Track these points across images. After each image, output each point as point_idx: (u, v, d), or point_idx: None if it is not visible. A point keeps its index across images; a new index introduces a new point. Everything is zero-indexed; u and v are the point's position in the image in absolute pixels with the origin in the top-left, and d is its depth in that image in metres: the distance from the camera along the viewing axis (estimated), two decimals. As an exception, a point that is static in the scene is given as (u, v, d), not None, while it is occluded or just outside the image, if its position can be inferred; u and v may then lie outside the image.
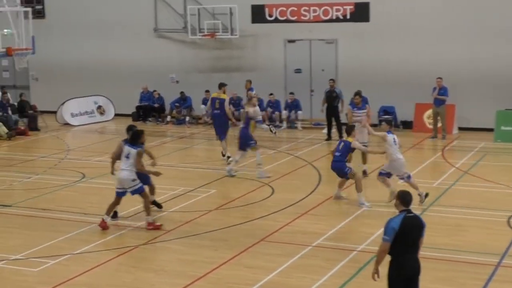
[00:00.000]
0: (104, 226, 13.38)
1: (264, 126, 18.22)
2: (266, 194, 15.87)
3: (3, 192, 16.69)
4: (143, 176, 13.67)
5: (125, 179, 13.35)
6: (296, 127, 24.95)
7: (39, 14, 28.75)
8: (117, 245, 12.53)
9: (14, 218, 14.48)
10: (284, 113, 24.98)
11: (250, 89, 23.90)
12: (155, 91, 27.30)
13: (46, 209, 14.96)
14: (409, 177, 14.79)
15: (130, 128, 14.27)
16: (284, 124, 25.00)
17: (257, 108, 17.67)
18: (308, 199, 15.42)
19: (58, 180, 17.59)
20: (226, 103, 19.20)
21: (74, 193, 16.55)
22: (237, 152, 17.61)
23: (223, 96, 19.35)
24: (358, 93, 17.95)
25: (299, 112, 25.03)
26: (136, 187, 13.38)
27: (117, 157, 13.77)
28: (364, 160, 17.52)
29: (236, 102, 25.85)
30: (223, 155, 19.30)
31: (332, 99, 22.49)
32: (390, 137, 14.87)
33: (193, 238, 12.89)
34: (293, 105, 25.06)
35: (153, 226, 13.36)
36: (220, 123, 19.34)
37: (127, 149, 13.42)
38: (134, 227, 13.60)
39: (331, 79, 23.05)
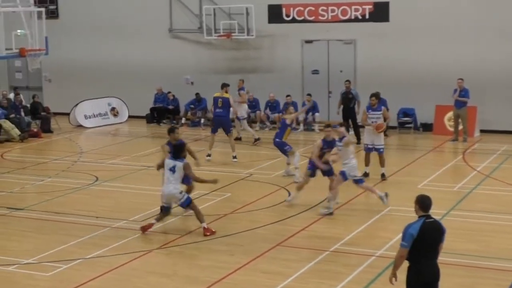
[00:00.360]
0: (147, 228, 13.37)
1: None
2: (282, 197, 15.85)
3: (15, 195, 16.79)
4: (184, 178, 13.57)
5: (172, 195, 13.20)
6: (313, 130, 24.91)
7: (52, 14, 28.91)
8: (130, 250, 12.55)
9: (27, 221, 14.56)
10: (301, 115, 24.91)
11: (242, 88, 24.01)
12: (169, 92, 27.37)
13: (59, 212, 15.02)
14: (361, 181, 14.77)
15: (172, 130, 14.48)
16: (301, 126, 24.97)
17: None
18: (325, 203, 15.36)
19: (71, 183, 17.67)
20: (232, 102, 20.11)
21: (87, 196, 16.61)
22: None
23: (226, 95, 20.08)
24: (374, 95, 17.94)
25: (317, 114, 25.00)
26: (183, 199, 13.26)
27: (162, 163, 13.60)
28: (382, 163, 17.46)
29: (272, 105, 25.74)
30: (234, 157, 19.78)
31: (348, 100, 22.50)
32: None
33: (208, 242, 12.90)
34: (310, 107, 25.00)
35: (210, 232, 13.19)
36: (222, 121, 20.09)
37: (171, 162, 13.25)
38: (148, 230, 13.59)
39: (347, 80, 23.06)
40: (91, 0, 28.78)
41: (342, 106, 22.68)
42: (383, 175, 17.34)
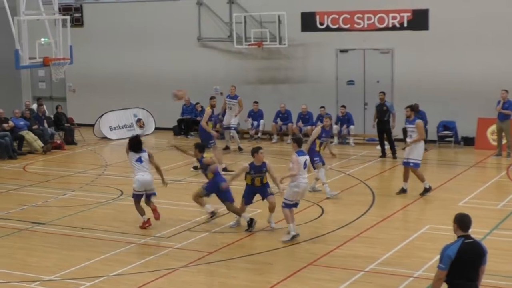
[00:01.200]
0: None
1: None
2: (315, 214, 15.82)
3: (38, 209, 16.96)
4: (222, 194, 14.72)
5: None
6: (348, 143, 24.87)
7: (77, 23, 29.25)
8: (156, 267, 12.61)
9: (49, 236, 14.70)
10: (335, 127, 24.91)
11: (235, 96, 24.05)
12: (198, 103, 27.48)
13: (82, 227, 15.14)
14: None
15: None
16: (335, 140, 24.93)
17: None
18: (361, 220, 15.32)
19: (95, 197, 17.81)
20: (205, 115, 20.54)
21: (112, 211, 16.72)
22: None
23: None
24: (409, 106, 17.90)
25: (351, 126, 24.94)
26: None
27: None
28: (420, 178, 17.34)
29: (305, 117, 25.67)
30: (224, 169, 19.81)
31: (383, 113, 22.43)
32: (301, 158, 13.89)
33: (237, 260, 12.91)
34: (345, 119, 24.98)
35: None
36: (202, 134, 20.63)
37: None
38: (174, 248, 13.67)
39: (381, 92, 23.01)
40: (117, 8, 29.08)
41: (377, 119, 22.61)
42: (425, 190, 17.17)
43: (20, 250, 13.77)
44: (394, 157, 21.73)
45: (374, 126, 22.84)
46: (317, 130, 17.43)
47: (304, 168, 13.86)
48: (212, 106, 20.73)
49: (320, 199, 17.04)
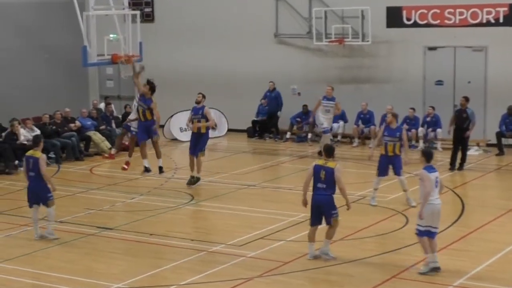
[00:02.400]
0: None
1: None
2: (399, 224, 15.72)
3: (104, 213, 17.30)
4: None
5: None
6: (435, 148, 24.55)
7: (148, 18, 29.71)
8: (228, 277, 12.70)
9: (116, 242, 14.97)
10: (421, 130, 24.64)
11: (332, 98, 23.25)
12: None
13: (150, 233, 15.37)
14: None
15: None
16: (421, 144, 24.69)
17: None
18: (449, 231, 15.15)
19: (164, 202, 18.05)
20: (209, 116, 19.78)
21: (182, 217, 16.94)
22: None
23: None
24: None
25: (439, 130, 24.55)
26: None
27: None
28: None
29: (365, 117, 25.74)
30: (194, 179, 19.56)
31: (462, 120, 21.42)
32: (432, 175, 12.77)
33: (314, 271, 12.92)
34: (432, 122, 24.68)
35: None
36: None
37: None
38: (247, 256, 13.76)
39: (463, 97, 21.87)
40: (190, 2, 29.37)
41: (454, 126, 21.79)
42: None
43: (86, 256, 14.06)
44: (461, 168, 21.21)
45: (449, 132, 22.02)
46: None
47: (436, 186, 12.73)
48: (197, 102, 20.09)
49: (404, 208, 16.91)
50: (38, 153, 15.02)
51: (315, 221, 13.47)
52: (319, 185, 13.23)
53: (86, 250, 14.43)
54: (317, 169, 13.25)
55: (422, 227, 12.72)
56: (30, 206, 15.13)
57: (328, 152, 13.41)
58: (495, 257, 13.53)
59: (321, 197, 13.24)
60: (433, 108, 24.72)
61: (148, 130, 19.51)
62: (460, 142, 21.47)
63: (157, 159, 19.86)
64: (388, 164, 17.25)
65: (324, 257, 13.40)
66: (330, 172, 13.16)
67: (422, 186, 12.69)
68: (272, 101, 27.34)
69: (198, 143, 19.46)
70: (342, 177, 13.21)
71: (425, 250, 12.76)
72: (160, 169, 19.92)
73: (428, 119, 24.77)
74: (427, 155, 12.91)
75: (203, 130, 19.48)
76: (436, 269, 12.70)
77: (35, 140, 15.45)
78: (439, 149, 24.31)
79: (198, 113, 19.63)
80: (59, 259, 13.85)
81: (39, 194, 14.95)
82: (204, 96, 20.21)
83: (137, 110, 19.65)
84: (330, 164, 13.22)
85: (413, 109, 24.74)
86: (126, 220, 16.57)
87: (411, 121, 24.97)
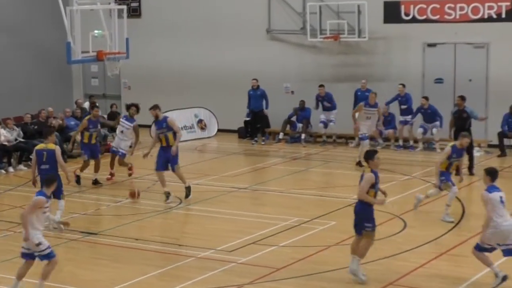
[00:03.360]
0: None
1: None
2: (397, 228, 15.76)
3: (89, 217, 17.30)
4: None
5: None
6: (434, 148, 24.59)
7: (134, 13, 29.66)
8: (217, 284, 12.72)
9: (101, 248, 14.98)
10: (419, 130, 24.66)
11: (375, 104, 23.01)
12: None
13: (137, 238, 15.38)
14: None
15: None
16: (420, 145, 24.75)
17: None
18: (448, 236, 15.21)
19: (151, 206, 18.06)
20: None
21: (170, 221, 16.95)
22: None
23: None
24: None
25: (435, 130, 24.41)
26: None
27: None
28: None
29: (386, 120, 24.86)
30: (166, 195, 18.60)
31: (462, 121, 21.20)
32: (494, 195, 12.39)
33: (308, 278, 12.95)
34: (429, 115, 24.49)
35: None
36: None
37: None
38: (238, 262, 13.78)
39: (459, 97, 21.77)
40: (179, -3, 29.39)
41: (454, 128, 21.69)
42: None
43: (70, 262, 14.03)
44: (471, 173, 21.18)
45: (450, 136, 21.92)
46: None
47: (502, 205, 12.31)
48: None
49: (402, 212, 16.95)
50: (52, 145, 15.87)
51: (355, 230, 12.99)
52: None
53: (70, 256, 14.43)
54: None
55: (485, 244, 12.43)
56: None
57: (493, 176, 12.56)
58: (496, 263, 13.55)
59: (356, 205, 12.90)
60: (426, 98, 24.61)
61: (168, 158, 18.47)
62: None
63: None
64: None
65: (353, 278, 12.87)
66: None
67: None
68: (258, 100, 26.90)
69: (168, 158, 18.35)
70: (365, 184, 12.54)
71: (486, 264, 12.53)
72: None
73: (423, 111, 24.63)
74: (492, 175, 12.59)
75: (171, 144, 18.34)
76: (505, 278, 12.42)
77: (47, 132, 16.27)
78: (438, 150, 24.27)
79: (162, 126, 18.55)
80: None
81: None
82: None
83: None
84: (366, 170, 12.81)
85: (403, 84, 24.82)
86: (112, 224, 16.56)
87: (402, 98, 24.97)
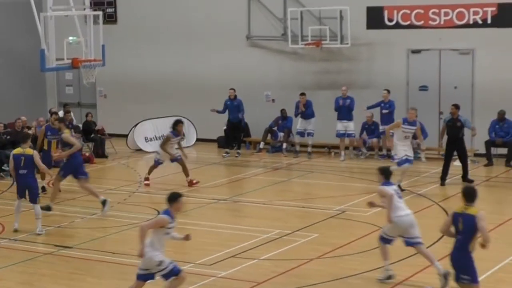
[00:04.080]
0: None
1: None
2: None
3: (63, 230, 17.22)
4: None
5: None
6: (419, 158, 24.63)
7: (110, 19, 29.60)
8: (197, 298, 12.72)
9: (76, 262, 14.90)
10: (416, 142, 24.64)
11: (414, 122, 22.19)
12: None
13: (113, 252, 15.32)
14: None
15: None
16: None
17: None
18: (436, 246, 15.21)
19: (128, 218, 17.99)
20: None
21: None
22: None
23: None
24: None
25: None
26: None
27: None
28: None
29: (370, 128, 25.44)
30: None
31: (456, 130, 21.23)
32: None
33: (290, 292, 12.95)
34: (386, 115, 24.69)
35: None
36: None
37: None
38: (218, 276, 13.77)
39: (453, 105, 21.63)
40: (155, 2, 29.30)
41: (446, 137, 21.72)
42: None
43: (43, 277, 14.00)
44: (466, 179, 21.22)
45: (441, 144, 21.79)
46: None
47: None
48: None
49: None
50: (29, 150, 16.37)
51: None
52: (457, 236, 11.41)
53: (44, 271, 14.37)
54: (455, 217, 11.38)
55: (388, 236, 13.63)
56: (19, 198, 16.67)
57: (469, 195, 11.35)
58: (483, 276, 13.57)
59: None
60: (388, 91, 24.80)
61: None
62: (458, 153, 21.35)
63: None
64: None
65: None
66: (470, 220, 11.15)
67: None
68: (235, 111, 26.31)
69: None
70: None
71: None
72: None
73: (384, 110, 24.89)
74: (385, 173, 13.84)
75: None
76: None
77: (24, 137, 16.78)
78: (423, 160, 24.34)
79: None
80: (14, 280, 13.78)
81: (30, 190, 16.39)
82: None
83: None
84: (471, 210, 11.19)
85: (388, 90, 24.88)
86: (87, 238, 16.49)
87: (386, 105, 25.00)
